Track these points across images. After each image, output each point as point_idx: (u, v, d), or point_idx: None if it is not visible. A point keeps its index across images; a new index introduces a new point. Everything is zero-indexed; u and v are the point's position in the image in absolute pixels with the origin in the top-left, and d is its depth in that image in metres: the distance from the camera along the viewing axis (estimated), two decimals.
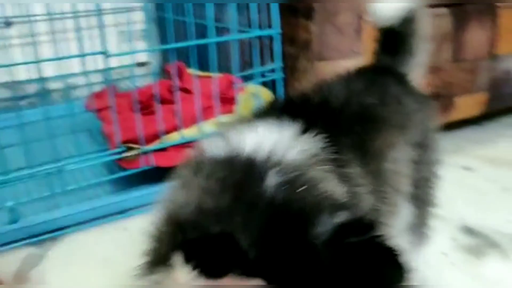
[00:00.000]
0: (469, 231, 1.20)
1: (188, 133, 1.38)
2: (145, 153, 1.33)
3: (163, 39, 2.10)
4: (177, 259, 0.44)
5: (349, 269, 0.42)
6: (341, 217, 0.45)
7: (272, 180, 0.49)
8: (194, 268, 0.43)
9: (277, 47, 1.43)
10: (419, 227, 0.88)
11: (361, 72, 0.85)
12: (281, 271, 0.43)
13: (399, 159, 0.73)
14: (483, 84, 1.72)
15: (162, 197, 0.56)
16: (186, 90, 1.60)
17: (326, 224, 0.44)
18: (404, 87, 0.85)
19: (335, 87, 0.76)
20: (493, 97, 1.77)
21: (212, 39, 1.33)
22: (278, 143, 0.55)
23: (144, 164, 1.33)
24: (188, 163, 0.59)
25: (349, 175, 0.62)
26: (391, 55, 0.88)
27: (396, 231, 0.80)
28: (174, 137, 1.38)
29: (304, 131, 0.60)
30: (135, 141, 1.33)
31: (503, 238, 1.16)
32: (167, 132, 1.38)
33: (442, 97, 1.65)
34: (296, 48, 1.43)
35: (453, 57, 1.61)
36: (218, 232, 0.44)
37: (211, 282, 0.43)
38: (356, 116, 0.69)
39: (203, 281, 0.43)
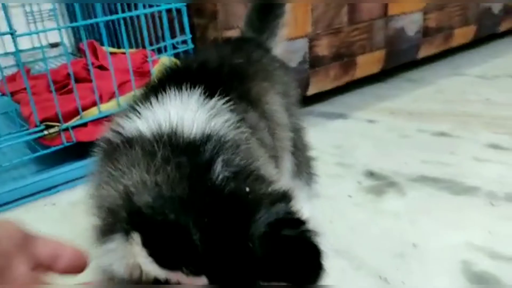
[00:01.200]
0: (371, 174, 1.33)
1: (105, 107, 1.42)
2: (65, 130, 1.35)
3: (74, 18, 2.09)
4: (135, 239, 0.46)
5: (278, 262, 0.46)
6: (278, 210, 0.48)
7: (218, 168, 0.51)
8: (151, 255, 0.45)
9: (186, 19, 1.49)
10: (304, 171, 0.98)
11: (230, 41, 0.98)
12: (222, 269, 0.45)
13: (274, 102, 0.83)
14: (379, 42, 1.86)
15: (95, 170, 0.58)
16: (102, 67, 1.63)
17: (264, 218, 0.47)
18: (265, 52, 0.98)
19: (209, 53, 0.87)
20: (390, 54, 1.92)
21: (120, 14, 1.36)
22: (197, 116, 0.59)
23: (65, 140, 1.35)
24: (114, 141, 0.59)
25: (254, 124, 0.70)
26: (258, 30, 1.02)
27: (287, 167, 0.91)
28: (93, 113, 1.40)
29: (209, 97, 0.64)
30: (54, 119, 1.35)
31: (399, 178, 1.30)
32: (86, 108, 1.40)
33: (345, 57, 1.77)
34: (204, 19, 1.48)
35: (350, 20, 1.73)
36: (175, 221, 0.45)
37: (163, 272, 0.45)
38: (231, 74, 0.77)
39: (157, 268, 0.45)
